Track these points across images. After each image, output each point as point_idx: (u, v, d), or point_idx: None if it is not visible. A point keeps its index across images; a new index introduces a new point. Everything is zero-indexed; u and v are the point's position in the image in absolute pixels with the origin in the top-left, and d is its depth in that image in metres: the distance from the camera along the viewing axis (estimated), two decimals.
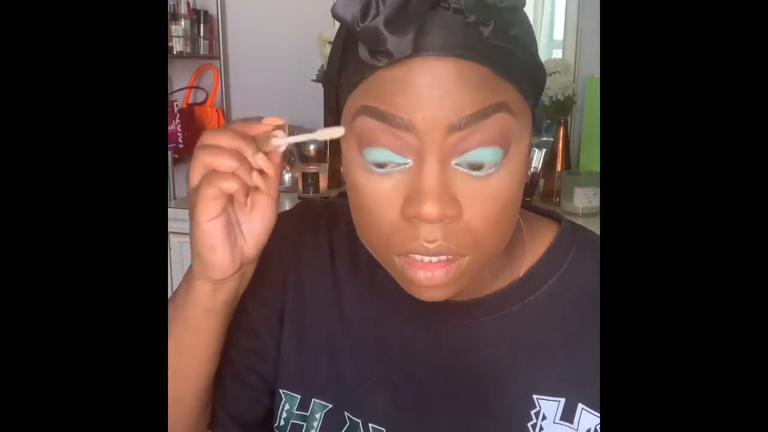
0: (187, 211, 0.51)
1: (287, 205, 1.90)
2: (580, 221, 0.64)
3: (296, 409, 0.61)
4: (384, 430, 0.59)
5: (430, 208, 0.45)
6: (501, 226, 0.49)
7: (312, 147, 1.93)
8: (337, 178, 1.96)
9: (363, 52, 0.45)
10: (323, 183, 1.81)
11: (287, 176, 1.90)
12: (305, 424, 0.61)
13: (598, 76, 1.80)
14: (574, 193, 1.68)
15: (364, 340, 0.61)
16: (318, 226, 0.65)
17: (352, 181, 0.49)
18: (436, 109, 0.44)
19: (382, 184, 0.47)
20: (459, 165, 0.46)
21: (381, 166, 0.47)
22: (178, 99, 2.09)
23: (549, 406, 0.55)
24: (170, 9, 1.97)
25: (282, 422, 0.62)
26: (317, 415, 0.60)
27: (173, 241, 1.63)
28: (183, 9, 1.99)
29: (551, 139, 1.90)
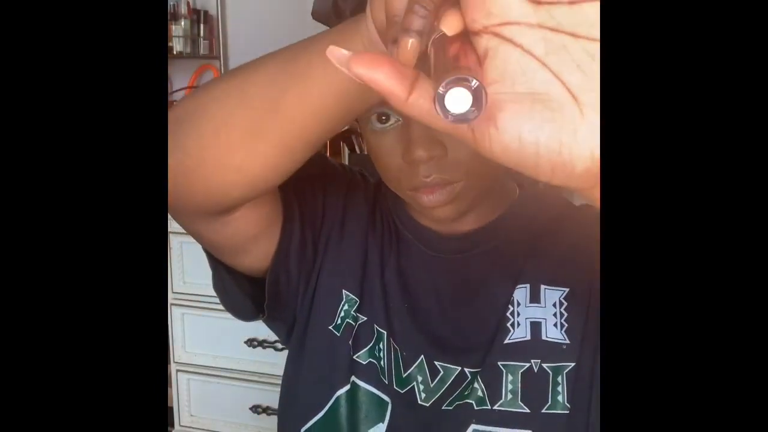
0: None
1: None
2: None
3: (354, 311, 0.69)
4: (398, 348, 0.67)
5: (420, 153, 0.58)
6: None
7: None
8: None
9: None
10: None
11: None
12: (356, 327, 0.68)
13: None
14: (573, 192, 1.68)
15: (388, 271, 0.70)
16: (368, 188, 0.75)
17: (366, 139, 0.63)
18: None
19: (384, 140, 0.61)
20: None
21: (382, 122, 0.60)
22: (178, 99, 2.09)
23: (519, 293, 0.66)
24: (170, 9, 1.97)
25: (339, 321, 0.69)
26: (354, 324, 0.69)
27: (173, 241, 1.63)
28: (183, 9, 1.99)
29: None
